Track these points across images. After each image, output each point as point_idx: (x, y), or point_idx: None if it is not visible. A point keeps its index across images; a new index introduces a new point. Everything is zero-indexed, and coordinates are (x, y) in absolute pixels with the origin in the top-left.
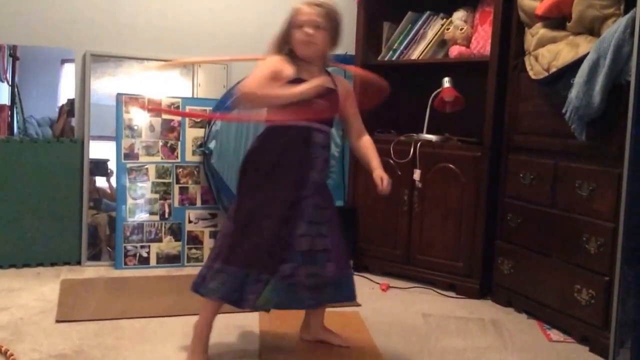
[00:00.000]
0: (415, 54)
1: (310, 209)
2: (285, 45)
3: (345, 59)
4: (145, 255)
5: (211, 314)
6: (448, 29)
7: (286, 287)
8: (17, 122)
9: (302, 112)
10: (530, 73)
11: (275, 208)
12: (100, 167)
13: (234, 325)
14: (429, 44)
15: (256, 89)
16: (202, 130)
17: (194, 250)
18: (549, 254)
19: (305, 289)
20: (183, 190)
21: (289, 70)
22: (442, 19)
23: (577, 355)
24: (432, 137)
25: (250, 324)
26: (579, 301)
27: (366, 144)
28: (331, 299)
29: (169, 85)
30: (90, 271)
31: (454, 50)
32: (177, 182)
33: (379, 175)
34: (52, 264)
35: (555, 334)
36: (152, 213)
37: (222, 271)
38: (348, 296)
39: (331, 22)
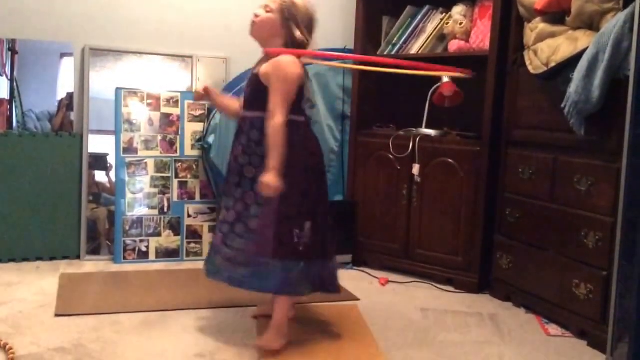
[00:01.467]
0: (415, 48)
1: (233, 188)
2: None
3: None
4: (144, 249)
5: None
6: (447, 24)
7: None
8: (16, 116)
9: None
10: (530, 68)
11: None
12: (99, 161)
13: (232, 320)
14: (428, 38)
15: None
16: (201, 124)
17: (193, 245)
18: (548, 249)
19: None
20: (182, 184)
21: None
22: (442, 13)
23: (575, 349)
24: (431, 132)
25: (248, 319)
26: (578, 296)
27: (269, 132)
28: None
29: (168, 79)
30: (90, 265)
31: (453, 45)
32: (176, 176)
33: (263, 179)
34: (52, 258)
35: (553, 329)
36: (151, 207)
37: None
38: (267, 287)
39: (286, 11)
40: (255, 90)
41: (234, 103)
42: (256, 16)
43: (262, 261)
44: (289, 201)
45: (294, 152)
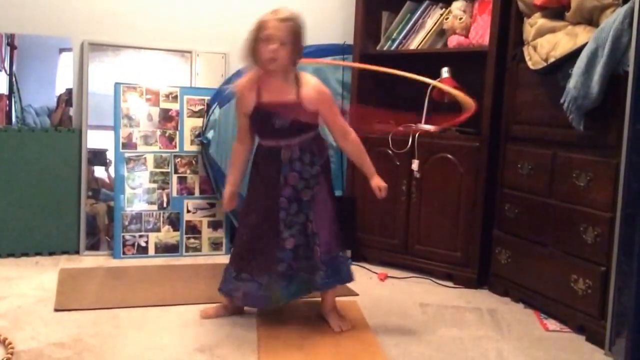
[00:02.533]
0: (414, 43)
1: (286, 217)
2: (251, 57)
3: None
4: (143, 244)
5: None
6: (447, 19)
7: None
8: (15, 111)
9: (267, 134)
10: (529, 63)
11: (253, 217)
12: (98, 156)
13: (232, 317)
14: (427, 33)
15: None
16: (201, 119)
17: (192, 240)
18: (547, 244)
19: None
20: (181, 179)
21: (250, 98)
22: (441, 8)
23: (574, 344)
24: (430, 128)
25: (248, 313)
26: (576, 291)
27: (355, 148)
28: (324, 283)
29: (167, 75)
30: (89, 260)
31: (453, 40)
32: (176, 171)
33: (377, 184)
34: (51, 253)
35: (551, 324)
36: (150, 203)
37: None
38: (343, 279)
39: (295, 36)
40: (298, 117)
41: (242, 162)
42: (274, 53)
43: (332, 257)
44: (334, 199)
45: (326, 159)
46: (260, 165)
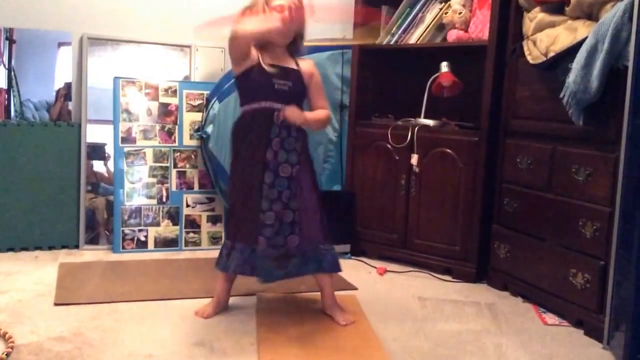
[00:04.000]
0: (413, 38)
1: (270, 188)
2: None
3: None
4: (143, 239)
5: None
6: (446, 13)
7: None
8: (14, 105)
9: (265, 94)
10: (529, 58)
11: (242, 185)
12: (97, 151)
13: (230, 309)
14: (427, 28)
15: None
16: (200, 114)
17: (191, 234)
18: (545, 238)
19: (270, 260)
20: (181, 174)
21: (255, 50)
22: (441, 2)
23: (572, 338)
24: (429, 122)
25: (247, 307)
26: (575, 285)
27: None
28: (298, 271)
29: (167, 69)
30: (88, 255)
31: (452, 35)
32: (175, 166)
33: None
34: (50, 248)
35: (550, 318)
36: (149, 197)
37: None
38: (323, 268)
39: (302, 8)
40: (299, 87)
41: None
42: (292, 11)
43: (311, 248)
44: (318, 190)
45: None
46: (246, 129)
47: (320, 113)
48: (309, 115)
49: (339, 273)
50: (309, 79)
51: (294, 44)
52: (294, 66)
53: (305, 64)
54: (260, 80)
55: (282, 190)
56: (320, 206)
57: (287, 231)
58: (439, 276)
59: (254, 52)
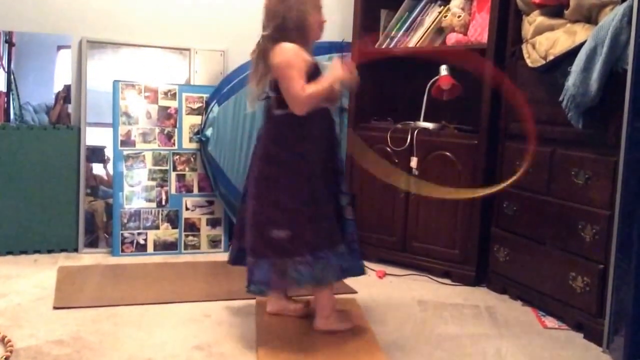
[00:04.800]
0: (413, 41)
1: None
2: (299, 29)
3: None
4: (142, 242)
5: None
6: (445, 16)
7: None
8: (14, 108)
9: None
10: (528, 61)
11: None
12: (97, 153)
13: (230, 313)
14: (426, 31)
15: (304, 93)
16: (199, 117)
17: (190, 238)
18: (545, 242)
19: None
20: (180, 177)
21: (308, 56)
22: (440, 6)
23: (572, 342)
24: (429, 125)
25: (246, 311)
26: (574, 289)
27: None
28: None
29: (166, 72)
30: (88, 258)
31: (452, 38)
32: (174, 169)
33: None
34: (49, 251)
35: (550, 321)
36: (149, 200)
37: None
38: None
39: None
40: None
41: None
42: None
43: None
44: (264, 207)
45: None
46: (316, 132)
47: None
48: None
49: None
50: None
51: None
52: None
53: None
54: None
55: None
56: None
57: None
58: (439, 279)
59: (306, 54)
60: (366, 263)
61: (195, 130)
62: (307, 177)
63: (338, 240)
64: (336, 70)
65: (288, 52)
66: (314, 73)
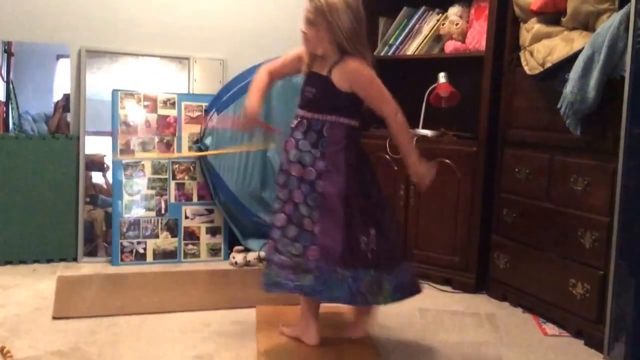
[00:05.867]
0: (411, 49)
1: (281, 188)
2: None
3: None
4: (141, 251)
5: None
6: (443, 24)
7: None
8: (12, 118)
9: (300, 100)
10: (526, 68)
11: None
12: (96, 162)
13: (230, 322)
14: (424, 39)
15: (261, 68)
16: (198, 126)
17: (190, 246)
18: (545, 249)
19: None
20: (179, 186)
21: (304, 60)
22: (438, 14)
23: (572, 349)
24: (428, 132)
25: (247, 320)
26: (574, 295)
27: (396, 128)
28: (312, 290)
29: (165, 81)
30: (87, 267)
31: (450, 46)
32: (174, 178)
33: (416, 172)
34: (49, 261)
35: (550, 328)
36: (148, 209)
37: None
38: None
39: (324, 15)
40: (324, 94)
41: (262, 87)
42: (304, 34)
43: (329, 269)
44: (353, 206)
45: (352, 156)
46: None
47: (406, 137)
48: (409, 156)
49: None
50: (344, 85)
51: (343, 48)
52: (325, 72)
53: (340, 70)
54: (301, 88)
55: (292, 189)
56: (343, 224)
57: (307, 241)
58: (439, 287)
59: (307, 58)
60: None
61: (195, 139)
62: None
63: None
64: (247, 102)
65: None
66: (304, 79)
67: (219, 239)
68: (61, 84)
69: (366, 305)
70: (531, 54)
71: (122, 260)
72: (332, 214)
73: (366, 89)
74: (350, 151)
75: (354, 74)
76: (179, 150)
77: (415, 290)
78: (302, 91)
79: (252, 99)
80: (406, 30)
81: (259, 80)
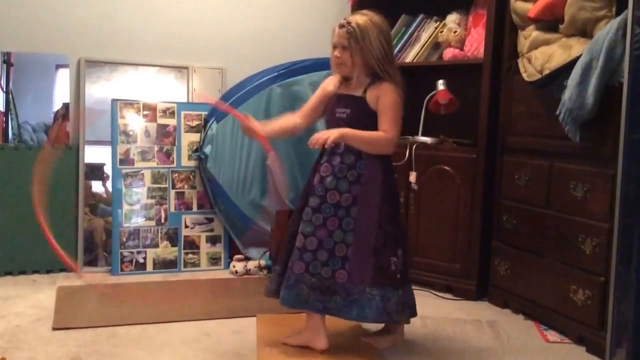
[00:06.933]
0: (410, 56)
1: (314, 212)
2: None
3: None
4: (141, 260)
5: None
6: (442, 32)
7: None
8: (12, 128)
9: (330, 121)
10: (524, 75)
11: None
12: (96, 171)
13: (230, 331)
14: (423, 46)
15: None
16: (198, 135)
17: (190, 255)
18: (545, 255)
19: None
20: (179, 195)
21: (330, 86)
22: (436, 21)
23: (574, 355)
24: (427, 139)
25: (248, 328)
26: (575, 302)
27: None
28: (339, 311)
29: (164, 90)
30: (87, 277)
31: (448, 53)
32: (173, 187)
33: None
34: (48, 271)
35: (552, 335)
36: (148, 218)
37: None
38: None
39: (357, 40)
40: (360, 114)
41: (288, 122)
42: (337, 58)
43: (358, 290)
44: (385, 229)
45: (391, 180)
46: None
47: (368, 134)
48: (349, 133)
49: None
50: (374, 104)
51: (373, 71)
52: (359, 93)
53: (375, 90)
54: (330, 108)
55: (327, 216)
56: (377, 249)
57: (337, 265)
58: (440, 294)
59: (333, 85)
60: None
61: (194, 148)
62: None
63: (282, 260)
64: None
65: None
66: (331, 102)
67: (219, 248)
68: (61, 93)
69: (392, 322)
70: (529, 61)
71: (122, 270)
72: (365, 238)
73: (386, 106)
74: (385, 174)
75: (384, 91)
76: (179, 160)
77: (415, 312)
78: (331, 114)
79: (267, 125)
80: (404, 38)
81: (284, 119)
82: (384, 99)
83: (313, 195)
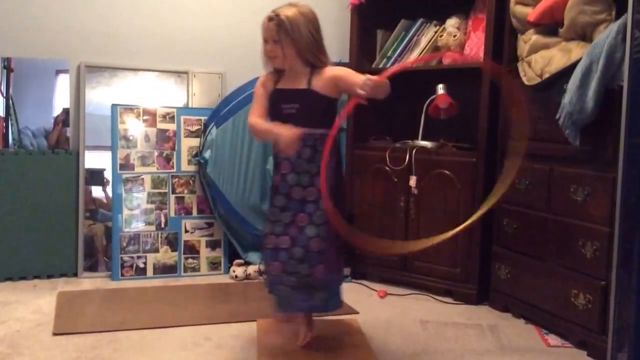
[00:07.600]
0: (409, 61)
1: (281, 211)
2: (263, 59)
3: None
4: (142, 265)
5: None
6: (441, 36)
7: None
8: (12, 133)
9: (277, 119)
10: (524, 79)
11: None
12: (96, 176)
13: (231, 335)
14: (422, 51)
15: (250, 120)
16: (198, 139)
17: (190, 260)
18: (546, 259)
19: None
20: (179, 200)
21: (269, 85)
22: (435, 26)
23: None
24: (427, 144)
25: (248, 333)
26: (576, 306)
27: None
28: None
29: (164, 95)
30: (87, 283)
31: (448, 57)
32: (173, 192)
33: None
34: (49, 276)
35: (553, 339)
36: (148, 223)
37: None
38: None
39: (287, 32)
40: (310, 107)
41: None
42: (269, 52)
43: (331, 278)
44: (340, 207)
45: (338, 157)
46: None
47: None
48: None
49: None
50: (329, 87)
51: (306, 61)
52: (304, 85)
53: (319, 76)
54: (272, 106)
55: (295, 212)
56: (337, 234)
57: (314, 260)
58: (440, 298)
59: (271, 83)
60: (368, 283)
61: (194, 152)
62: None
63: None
64: (280, 131)
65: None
66: (272, 98)
67: (219, 253)
68: (61, 99)
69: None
70: (529, 64)
71: (122, 275)
72: (329, 227)
73: (346, 72)
74: (335, 159)
75: (331, 70)
76: (178, 164)
77: None
78: (276, 110)
79: (279, 127)
80: (404, 43)
81: (262, 122)
82: (336, 71)
83: (277, 194)
